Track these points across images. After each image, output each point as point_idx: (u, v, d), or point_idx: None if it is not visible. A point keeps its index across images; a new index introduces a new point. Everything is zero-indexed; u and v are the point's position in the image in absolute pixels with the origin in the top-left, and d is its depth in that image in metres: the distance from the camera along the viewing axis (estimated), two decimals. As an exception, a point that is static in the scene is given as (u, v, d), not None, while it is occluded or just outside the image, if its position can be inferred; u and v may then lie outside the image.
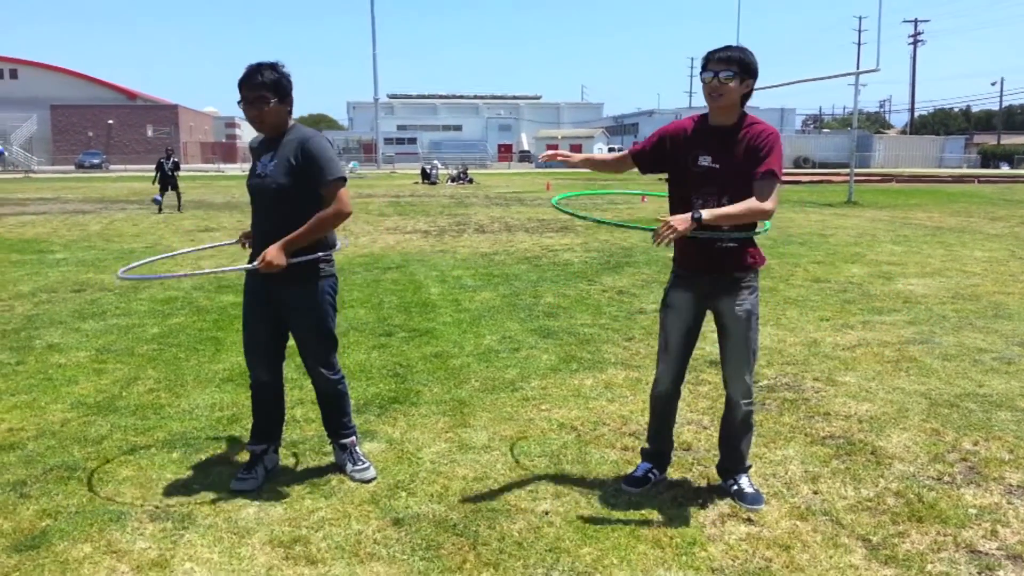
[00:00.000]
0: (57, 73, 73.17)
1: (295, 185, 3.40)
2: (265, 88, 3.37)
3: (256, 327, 3.61)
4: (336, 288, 3.66)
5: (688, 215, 3.09)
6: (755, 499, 3.40)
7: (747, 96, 3.28)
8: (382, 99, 74.69)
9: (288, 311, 3.56)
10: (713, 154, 3.24)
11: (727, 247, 3.29)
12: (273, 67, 3.41)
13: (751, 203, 3.14)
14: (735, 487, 3.46)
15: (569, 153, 3.21)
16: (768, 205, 3.14)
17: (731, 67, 3.18)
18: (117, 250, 11.87)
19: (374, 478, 3.64)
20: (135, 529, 3.16)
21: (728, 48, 3.23)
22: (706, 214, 3.09)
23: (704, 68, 3.24)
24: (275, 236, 3.40)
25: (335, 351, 3.70)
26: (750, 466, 3.58)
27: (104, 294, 8.21)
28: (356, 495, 3.49)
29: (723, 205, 3.18)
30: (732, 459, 3.54)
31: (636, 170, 3.56)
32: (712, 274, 3.35)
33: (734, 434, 3.51)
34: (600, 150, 73.89)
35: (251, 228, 3.63)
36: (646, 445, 3.71)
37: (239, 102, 3.44)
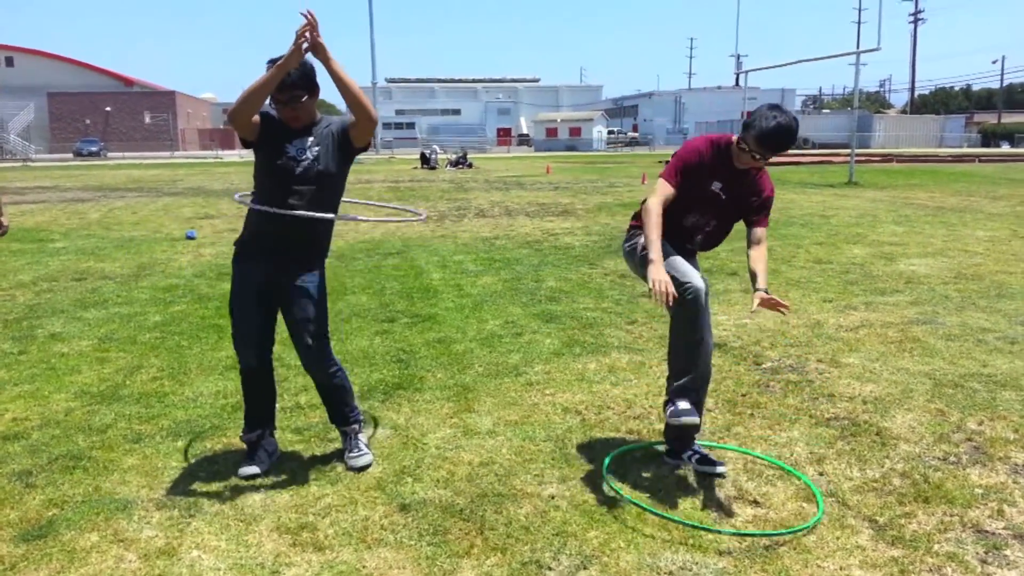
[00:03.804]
0: (53, 60, 72.73)
1: (340, 171, 3.52)
2: (296, 87, 3.27)
3: (251, 312, 3.54)
4: None
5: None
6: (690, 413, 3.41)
7: None
8: (380, 83, 74.26)
9: (292, 297, 3.50)
10: (724, 183, 3.47)
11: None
12: (300, 62, 3.24)
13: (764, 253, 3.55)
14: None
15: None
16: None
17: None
18: (117, 238, 11.84)
19: (367, 466, 3.60)
20: (142, 518, 3.16)
21: (787, 135, 3.28)
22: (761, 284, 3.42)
23: (746, 141, 3.33)
24: (314, 219, 3.40)
25: (329, 342, 3.66)
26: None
27: (105, 283, 8.20)
28: (362, 481, 3.49)
29: (711, 226, 3.56)
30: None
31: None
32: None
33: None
34: (600, 132, 73.58)
35: (267, 205, 3.39)
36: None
37: (270, 104, 3.32)
